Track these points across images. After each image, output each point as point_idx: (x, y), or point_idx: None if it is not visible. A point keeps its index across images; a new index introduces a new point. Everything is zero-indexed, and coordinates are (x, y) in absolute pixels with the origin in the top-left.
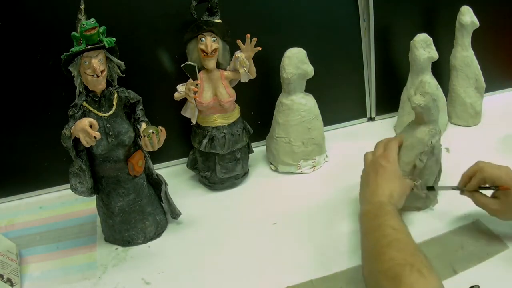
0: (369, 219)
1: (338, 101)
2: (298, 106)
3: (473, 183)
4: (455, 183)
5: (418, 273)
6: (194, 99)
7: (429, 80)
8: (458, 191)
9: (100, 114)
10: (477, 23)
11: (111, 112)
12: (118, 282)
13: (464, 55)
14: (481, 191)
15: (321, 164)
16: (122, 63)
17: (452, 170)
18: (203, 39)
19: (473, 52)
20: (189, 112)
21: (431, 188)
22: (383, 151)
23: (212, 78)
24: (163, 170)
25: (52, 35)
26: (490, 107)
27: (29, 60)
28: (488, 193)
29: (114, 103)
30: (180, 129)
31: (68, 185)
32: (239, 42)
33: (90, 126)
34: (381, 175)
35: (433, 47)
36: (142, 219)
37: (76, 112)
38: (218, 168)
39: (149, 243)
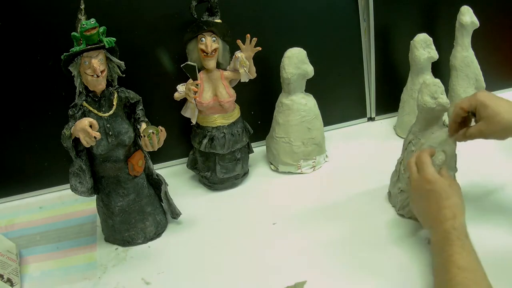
0: (437, 253)
1: (338, 101)
2: (298, 106)
3: (455, 121)
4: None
5: None
6: (194, 99)
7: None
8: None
9: (100, 114)
10: (477, 23)
11: (111, 112)
12: (118, 282)
13: (464, 55)
14: (470, 126)
15: (321, 164)
16: (122, 63)
17: None
18: (203, 39)
19: (473, 52)
20: (189, 112)
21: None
22: (419, 172)
23: (212, 78)
24: (163, 170)
25: (52, 35)
26: None
27: (29, 60)
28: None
29: (114, 103)
30: (180, 129)
31: (68, 185)
32: (239, 42)
33: (90, 126)
34: (434, 200)
35: (433, 47)
36: (142, 219)
37: (76, 112)
38: (218, 168)
39: (149, 243)
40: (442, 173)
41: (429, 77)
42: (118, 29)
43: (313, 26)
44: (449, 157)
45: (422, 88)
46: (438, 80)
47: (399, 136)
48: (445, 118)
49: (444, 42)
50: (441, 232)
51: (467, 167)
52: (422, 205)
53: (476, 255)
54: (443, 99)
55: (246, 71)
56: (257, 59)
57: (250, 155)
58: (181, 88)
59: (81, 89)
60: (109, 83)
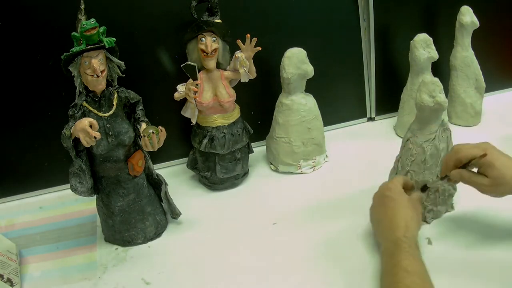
0: (386, 259)
1: (338, 101)
2: (298, 106)
3: (453, 164)
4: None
5: None
6: (194, 99)
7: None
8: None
9: (100, 114)
10: (477, 23)
11: (111, 112)
12: (118, 282)
13: (464, 55)
14: (469, 168)
15: (321, 164)
16: (122, 63)
17: None
18: (203, 39)
19: (473, 52)
20: (189, 112)
21: (425, 188)
22: (387, 183)
23: (212, 78)
24: (163, 170)
25: (52, 35)
26: (490, 107)
27: (29, 60)
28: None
29: (114, 103)
30: (180, 129)
31: (68, 185)
32: (239, 42)
33: (90, 126)
34: (391, 207)
35: (433, 47)
36: (142, 219)
37: (76, 112)
38: (218, 168)
39: (149, 243)
40: (409, 193)
41: (428, 76)
42: (118, 29)
43: (313, 26)
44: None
45: (421, 86)
46: (436, 79)
47: (399, 136)
48: (446, 118)
49: (444, 42)
50: (392, 240)
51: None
52: (378, 212)
53: (424, 265)
54: (441, 97)
55: (246, 71)
56: (257, 59)
57: (250, 155)
58: (181, 88)
59: (81, 89)
60: (109, 83)
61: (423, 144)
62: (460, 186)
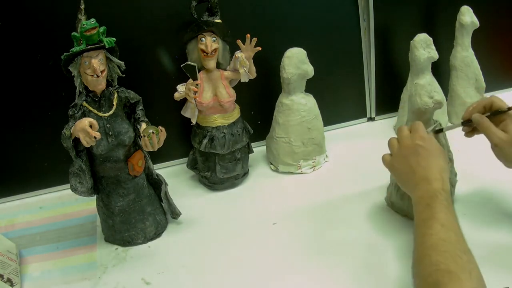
0: (421, 209)
1: (338, 101)
2: (298, 106)
3: (478, 110)
4: (458, 184)
5: (458, 281)
6: (194, 99)
7: (430, 81)
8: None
9: (100, 114)
10: (477, 23)
11: (111, 112)
12: (118, 282)
13: (464, 55)
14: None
15: (321, 164)
16: (122, 63)
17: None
18: (203, 39)
19: (473, 52)
20: (189, 112)
21: (439, 131)
22: (412, 132)
23: (212, 78)
24: (163, 170)
25: (52, 35)
26: None
27: (29, 60)
28: None
29: (114, 103)
30: (180, 129)
31: (68, 185)
32: (239, 42)
33: (90, 126)
34: (424, 156)
35: (433, 47)
36: (142, 219)
37: (76, 112)
38: (218, 168)
39: (149, 243)
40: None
41: (421, 80)
42: (118, 29)
43: (313, 26)
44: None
45: (418, 90)
46: (430, 79)
47: None
48: (446, 117)
49: (444, 42)
50: (428, 190)
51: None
52: (409, 163)
53: (459, 222)
54: (439, 95)
55: (246, 71)
56: (257, 59)
57: (250, 155)
58: (181, 88)
59: (81, 89)
60: (109, 83)
61: None
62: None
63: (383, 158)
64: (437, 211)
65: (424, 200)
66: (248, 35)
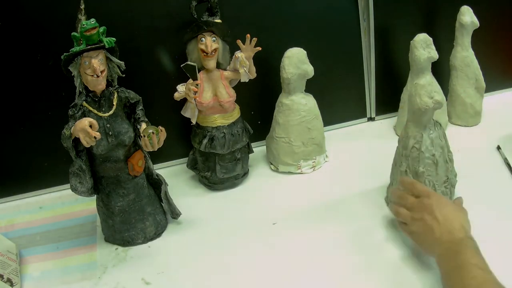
0: (449, 258)
1: (338, 101)
2: (298, 106)
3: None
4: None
5: None
6: (194, 99)
7: (430, 81)
8: None
9: (100, 114)
10: (477, 23)
11: (111, 112)
12: (118, 282)
13: (464, 55)
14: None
15: (321, 164)
16: (122, 63)
17: None
18: (203, 39)
19: (473, 52)
20: (189, 112)
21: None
22: (415, 193)
23: (212, 78)
24: (163, 170)
25: (52, 35)
26: (490, 107)
27: (29, 60)
28: None
29: (114, 103)
30: (180, 129)
31: (68, 185)
32: (239, 42)
33: (90, 126)
34: (438, 213)
35: (433, 47)
36: (142, 219)
37: (76, 112)
38: (218, 168)
39: (149, 243)
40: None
41: (421, 80)
42: (118, 29)
43: (313, 26)
44: None
45: (418, 90)
46: (430, 80)
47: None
48: (446, 118)
49: (444, 42)
50: (453, 241)
51: (467, 167)
52: (427, 223)
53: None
54: (439, 96)
55: (246, 71)
56: (257, 59)
57: (250, 155)
58: (181, 88)
59: (81, 89)
60: (109, 83)
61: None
62: (460, 181)
63: (401, 229)
64: (470, 257)
65: (451, 250)
66: (248, 35)
